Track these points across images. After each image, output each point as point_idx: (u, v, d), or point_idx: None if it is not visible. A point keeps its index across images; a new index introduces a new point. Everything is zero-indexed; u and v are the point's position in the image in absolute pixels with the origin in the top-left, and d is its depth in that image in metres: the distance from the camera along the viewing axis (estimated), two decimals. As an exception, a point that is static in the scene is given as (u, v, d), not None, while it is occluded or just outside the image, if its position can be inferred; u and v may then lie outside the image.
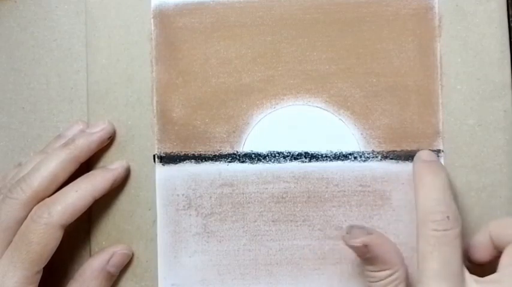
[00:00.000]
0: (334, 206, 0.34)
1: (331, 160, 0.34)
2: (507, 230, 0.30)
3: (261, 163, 0.35)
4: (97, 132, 0.34)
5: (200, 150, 0.35)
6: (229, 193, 0.35)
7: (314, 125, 0.35)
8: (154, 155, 0.35)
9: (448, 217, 0.29)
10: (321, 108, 0.35)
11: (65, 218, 0.31)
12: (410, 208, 0.34)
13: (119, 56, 0.35)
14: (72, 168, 0.33)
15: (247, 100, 0.35)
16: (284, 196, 0.35)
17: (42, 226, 0.30)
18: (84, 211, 0.32)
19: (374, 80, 0.34)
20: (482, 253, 0.31)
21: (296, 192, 0.34)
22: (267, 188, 0.35)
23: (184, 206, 0.35)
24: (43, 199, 0.32)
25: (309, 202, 0.34)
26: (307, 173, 0.34)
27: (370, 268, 0.30)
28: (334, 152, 0.34)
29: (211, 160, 0.35)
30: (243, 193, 0.35)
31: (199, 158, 0.35)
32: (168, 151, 0.35)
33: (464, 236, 0.32)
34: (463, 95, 0.34)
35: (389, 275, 0.30)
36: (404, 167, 0.34)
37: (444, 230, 0.29)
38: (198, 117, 0.35)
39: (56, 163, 0.32)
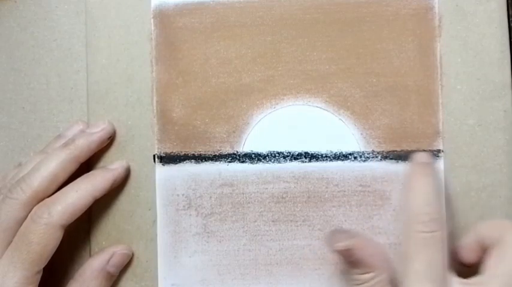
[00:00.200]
0: (334, 206, 0.34)
1: (331, 160, 0.34)
2: (493, 232, 0.30)
3: (261, 163, 0.35)
4: (97, 132, 0.34)
5: (200, 150, 0.35)
6: (229, 193, 0.35)
7: (314, 125, 0.35)
8: (154, 155, 0.35)
9: (434, 218, 0.29)
10: (321, 108, 0.35)
11: (65, 218, 0.31)
12: (410, 208, 0.34)
13: (119, 56, 0.35)
14: (72, 168, 0.33)
15: (247, 100, 0.35)
16: (284, 196, 0.35)
17: (42, 226, 0.30)
18: (84, 211, 0.32)
19: (374, 80, 0.34)
20: (469, 255, 0.31)
21: (296, 192, 0.34)
22: (267, 188, 0.35)
23: (184, 206, 0.35)
24: (43, 199, 0.32)
25: (309, 202, 0.34)
26: (307, 173, 0.34)
27: (354, 271, 0.30)
28: (334, 152, 0.34)
29: (211, 160, 0.35)
30: (243, 193, 0.35)
31: (199, 158, 0.35)
32: (168, 151, 0.35)
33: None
34: (463, 95, 0.34)
35: (373, 278, 0.30)
36: (404, 167, 0.34)
37: (431, 231, 0.29)
38: (198, 117, 0.35)
39: (56, 163, 0.32)
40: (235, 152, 0.35)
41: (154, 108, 0.35)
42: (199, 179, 0.35)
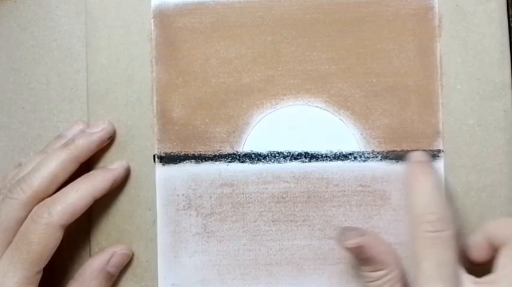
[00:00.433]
0: (334, 206, 0.34)
1: (331, 160, 0.34)
2: (503, 230, 0.30)
3: (261, 163, 0.35)
4: (97, 132, 0.34)
5: (200, 150, 0.35)
6: (229, 193, 0.35)
7: (314, 125, 0.35)
8: (154, 155, 0.35)
9: (440, 217, 0.29)
10: (321, 108, 0.35)
11: (65, 218, 0.31)
12: (410, 208, 0.34)
13: (119, 56, 0.35)
14: (72, 168, 0.33)
15: (247, 100, 0.35)
16: (284, 196, 0.35)
17: (42, 226, 0.30)
18: (84, 211, 0.32)
19: (374, 80, 0.34)
20: (479, 253, 0.31)
21: (296, 192, 0.34)
22: (267, 188, 0.35)
23: (184, 206, 0.35)
24: (43, 199, 0.32)
25: (309, 202, 0.34)
26: (307, 173, 0.34)
27: (366, 268, 0.30)
28: (334, 152, 0.34)
29: (211, 160, 0.35)
30: (243, 193, 0.35)
31: (199, 158, 0.35)
32: (168, 151, 0.35)
33: (464, 236, 0.32)
34: (463, 95, 0.34)
35: (385, 275, 0.30)
36: (404, 167, 0.34)
37: (438, 231, 0.29)
38: (198, 117, 0.35)
39: (56, 163, 0.32)
40: (235, 152, 0.35)
41: (154, 108, 0.35)
42: (199, 179, 0.35)
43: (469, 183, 0.34)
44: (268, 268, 0.34)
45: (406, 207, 0.34)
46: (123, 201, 0.35)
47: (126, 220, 0.35)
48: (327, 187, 0.34)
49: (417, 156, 0.33)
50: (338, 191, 0.34)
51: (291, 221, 0.34)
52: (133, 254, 0.35)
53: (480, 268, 0.31)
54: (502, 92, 0.34)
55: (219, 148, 0.35)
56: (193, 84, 0.35)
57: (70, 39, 0.36)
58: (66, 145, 0.33)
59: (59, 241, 0.31)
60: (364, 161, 0.34)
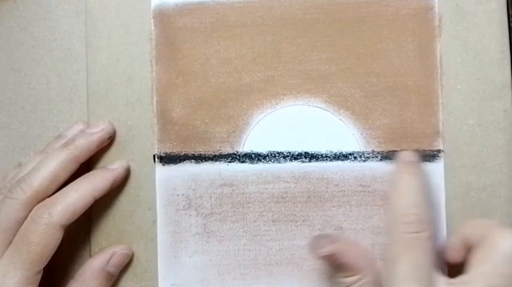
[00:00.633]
0: (334, 206, 0.34)
1: (331, 160, 0.34)
2: (477, 231, 0.30)
3: (261, 163, 0.35)
4: (97, 132, 0.34)
5: (200, 150, 0.35)
6: (229, 193, 0.35)
7: (314, 125, 0.35)
8: (154, 155, 0.35)
9: (420, 219, 0.29)
10: (321, 108, 0.35)
11: (65, 218, 0.31)
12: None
13: (119, 56, 0.35)
14: (72, 168, 0.33)
15: (247, 100, 0.35)
16: (284, 196, 0.35)
17: (42, 226, 0.30)
18: (84, 211, 0.32)
19: (374, 80, 0.34)
20: (455, 254, 0.32)
21: (296, 192, 0.34)
22: (267, 188, 0.35)
23: (184, 206, 0.35)
24: (43, 199, 0.32)
25: (309, 202, 0.34)
26: (307, 173, 0.34)
27: (339, 274, 0.31)
28: (334, 152, 0.34)
29: (211, 160, 0.35)
30: (243, 193, 0.35)
31: (199, 158, 0.35)
32: (168, 151, 0.35)
33: (433, 237, 0.32)
34: (463, 95, 0.34)
35: (358, 280, 0.30)
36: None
37: (416, 232, 0.29)
38: (198, 117, 0.35)
39: (56, 163, 0.32)
40: (235, 152, 0.35)
41: (154, 108, 0.35)
42: (199, 179, 0.35)
43: (469, 183, 0.34)
44: (268, 268, 0.34)
45: (386, 207, 0.34)
46: (123, 201, 0.35)
47: (126, 220, 0.35)
48: (327, 187, 0.34)
49: (405, 156, 0.33)
50: (338, 191, 0.34)
51: (291, 221, 0.34)
52: (133, 254, 0.35)
53: (455, 269, 0.31)
54: (502, 92, 0.34)
55: (219, 148, 0.35)
56: (193, 84, 0.35)
57: (70, 39, 0.36)
58: (66, 144, 0.33)
59: (59, 241, 0.31)
60: (364, 161, 0.34)
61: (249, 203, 0.35)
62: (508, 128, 0.34)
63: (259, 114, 0.35)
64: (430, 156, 0.34)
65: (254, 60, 0.35)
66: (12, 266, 0.30)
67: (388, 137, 0.34)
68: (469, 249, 0.31)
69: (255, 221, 0.35)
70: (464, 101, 0.34)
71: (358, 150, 0.34)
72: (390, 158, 0.34)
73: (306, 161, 0.34)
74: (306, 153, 0.35)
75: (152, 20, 0.35)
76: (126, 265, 0.34)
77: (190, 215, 0.35)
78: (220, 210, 0.35)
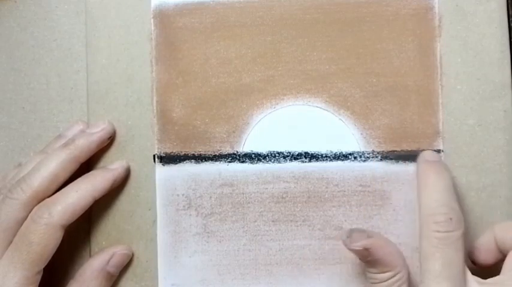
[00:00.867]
0: (334, 206, 0.34)
1: (331, 160, 0.34)
2: (510, 234, 0.30)
3: (261, 163, 0.35)
4: (97, 132, 0.34)
5: (200, 150, 0.35)
6: (229, 193, 0.35)
7: (314, 125, 0.35)
8: (154, 155, 0.35)
9: (450, 218, 0.29)
10: (321, 108, 0.35)
11: (65, 219, 0.31)
12: (410, 208, 0.34)
13: (119, 56, 0.35)
14: (72, 168, 0.33)
15: (247, 100, 0.35)
16: (284, 196, 0.35)
17: (42, 226, 0.30)
18: (84, 211, 0.32)
19: (374, 80, 0.34)
20: (486, 256, 0.32)
21: (296, 192, 0.34)
22: (267, 188, 0.35)
23: (184, 206, 0.35)
24: (43, 199, 0.32)
25: (309, 202, 0.34)
26: (307, 173, 0.34)
27: (372, 270, 0.30)
28: (334, 152, 0.34)
29: (211, 160, 0.35)
30: (243, 193, 0.35)
31: (199, 158, 0.35)
32: (168, 151, 0.35)
33: (465, 236, 0.32)
34: (463, 95, 0.34)
35: (392, 277, 0.30)
36: (404, 167, 0.34)
37: (446, 231, 0.29)
38: (198, 117, 0.35)
39: (56, 163, 0.32)
40: (235, 152, 0.35)
41: (154, 108, 0.35)
42: (199, 179, 0.35)
43: (469, 183, 0.34)
44: (268, 268, 0.34)
45: (417, 206, 0.33)
46: (123, 201, 0.35)
47: (126, 220, 0.35)
48: (327, 187, 0.34)
49: (428, 155, 0.33)
50: (338, 191, 0.34)
51: (291, 221, 0.34)
52: (133, 254, 0.35)
53: (484, 271, 0.31)
54: (502, 92, 0.34)
55: (219, 148, 0.35)
56: (193, 84, 0.35)
57: (70, 39, 0.36)
58: (66, 144, 0.33)
59: (59, 241, 0.31)
60: (364, 161, 0.34)
61: (249, 203, 0.35)
62: (508, 128, 0.34)
63: (259, 114, 0.35)
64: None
65: (254, 60, 0.35)
66: (12, 266, 0.30)
67: (388, 137, 0.34)
68: (500, 251, 0.31)
69: (255, 221, 0.35)
70: (464, 101, 0.34)
71: (358, 150, 0.34)
72: (390, 158, 0.34)
73: (306, 161, 0.34)
74: (306, 153, 0.35)
75: (152, 20, 0.35)
76: (126, 265, 0.34)
77: (190, 215, 0.35)
78: (220, 210, 0.35)
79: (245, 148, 0.35)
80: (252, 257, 0.34)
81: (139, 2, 0.35)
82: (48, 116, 0.36)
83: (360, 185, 0.34)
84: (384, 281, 0.30)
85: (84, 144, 0.33)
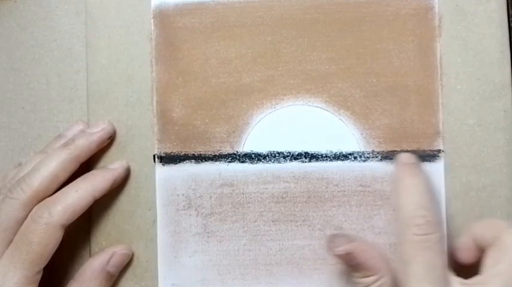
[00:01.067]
0: (334, 206, 0.34)
1: (331, 160, 0.34)
2: (489, 232, 0.30)
3: (261, 163, 0.35)
4: (97, 132, 0.34)
5: (200, 150, 0.35)
6: (229, 193, 0.35)
7: (314, 125, 0.35)
8: (154, 155, 0.35)
9: (429, 221, 0.29)
10: (321, 108, 0.35)
11: (65, 218, 0.31)
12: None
13: (119, 56, 0.35)
14: (72, 168, 0.33)
15: (247, 100, 0.35)
16: (284, 196, 0.35)
17: (42, 226, 0.30)
18: (84, 211, 0.32)
19: (374, 80, 0.34)
20: (467, 255, 0.32)
21: (296, 192, 0.34)
22: (267, 188, 0.35)
23: (184, 206, 0.35)
24: (43, 199, 0.32)
25: (309, 202, 0.34)
26: (307, 173, 0.34)
27: (356, 274, 0.31)
28: (334, 152, 0.34)
29: (211, 160, 0.35)
30: (243, 193, 0.35)
31: (199, 158, 0.35)
32: (168, 151, 0.35)
33: (444, 237, 0.32)
34: (463, 95, 0.34)
35: (376, 281, 0.30)
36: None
37: (426, 234, 0.29)
38: (198, 117, 0.35)
39: (56, 163, 0.32)
40: (235, 152, 0.35)
41: (154, 108, 0.35)
42: (199, 179, 0.35)
43: (469, 183, 0.34)
44: (268, 268, 0.34)
45: (394, 210, 0.34)
46: (123, 201, 0.35)
47: (126, 220, 0.35)
48: (327, 187, 0.34)
49: (405, 158, 0.33)
50: (338, 191, 0.34)
51: (291, 221, 0.34)
52: (133, 254, 0.35)
53: (466, 270, 0.31)
54: (502, 92, 0.34)
55: (219, 148, 0.35)
56: (193, 84, 0.35)
57: (70, 39, 0.36)
58: (66, 144, 0.33)
59: (59, 241, 0.31)
60: (364, 161, 0.34)
61: (249, 203, 0.35)
62: (508, 128, 0.34)
63: (259, 114, 0.35)
64: (430, 156, 0.34)
65: (254, 60, 0.35)
66: (12, 266, 0.30)
67: (388, 137, 0.34)
68: (480, 249, 0.31)
69: (255, 221, 0.35)
70: (464, 101, 0.34)
71: (358, 150, 0.34)
72: (390, 158, 0.34)
73: (306, 161, 0.35)
74: (306, 153, 0.35)
75: (152, 20, 0.35)
76: (126, 265, 0.34)
77: (190, 215, 0.35)
78: (220, 210, 0.35)
79: (245, 148, 0.35)
80: (252, 257, 0.34)
81: (139, 2, 0.35)
82: (48, 116, 0.36)
83: (360, 185, 0.34)
84: (368, 285, 0.30)
85: (84, 144, 0.33)
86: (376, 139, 0.34)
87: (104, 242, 0.35)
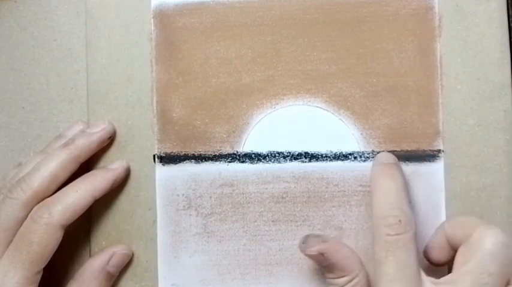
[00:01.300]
0: (334, 206, 0.34)
1: (331, 160, 0.34)
2: (460, 230, 0.30)
3: (261, 163, 0.35)
4: (97, 132, 0.34)
5: (200, 150, 0.35)
6: (229, 193, 0.35)
7: (314, 125, 0.35)
8: (154, 155, 0.35)
9: (400, 221, 0.29)
10: (321, 108, 0.35)
11: (65, 218, 0.31)
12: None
13: (119, 56, 0.35)
14: (72, 168, 0.33)
15: (247, 100, 0.35)
16: (284, 196, 0.35)
17: (42, 226, 0.30)
18: (84, 211, 0.32)
19: (374, 80, 0.34)
20: (440, 254, 0.31)
21: (296, 192, 0.34)
22: (267, 188, 0.35)
23: (184, 206, 0.35)
24: (43, 199, 0.32)
25: (309, 202, 0.34)
26: (307, 173, 0.34)
27: (330, 275, 0.30)
28: (334, 152, 0.34)
29: (211, 160, 0.35)
30: (243, 193, 0.35)
31: (199, 158, 0.35)
32: (168, 151, 0.35)
33: (416, 237, 0.32)
34: (463, 95, 0.34)
35: (349, 281, 0.30)
36: (404, 167, 0.34)
37: (397, 234, 0.29)
38: (198, 117, 0.35)
39: (56, 163, 0.32)
40: (235, 152, 0.35)
41: (154, 108, 0.35)
42: (199, 179, 0.35)
43: (469, 183, 0.34)
44: (268, 268, 0.34)
45: (369, 209, 0.34)
46: (123, 201, 0.35)
47: (126, 220, 0.35)
48: (327, 187, 0.34)
49: (383, 157, 0.33)
50: (338, 191, 0.34)
51: (291, 221, 0.34)
52: (133, 254, 0.35)
53: (439, 269, 0.31)
54: (502, 92, 0.34)
55: (219, 148, 0.35)
56: (193, 84, 0.35)
57: (70, 39, 0.36)
58: (66, 144, 0.33)
59: (59, 241, 0.31)
60: (364, 161, 0.34)
61: (249, 203, 0.35)
62: (508, 128, 0.34)
63: (259, 114, 0.35)
64: (430, 156, 0.34)
65: (254, 60, 0.35)
66: (12, 266, 0.30)
67: (388, 137, 0.34)
68: (452, 248, 0.31)
69: (255, 221, 0.35)
70: (464, 101, 0.34)
71: (358, 150, 0.34)
72: (390, 158, 0.34)
73: (306, 161, 0.35)
74: (306, 153, 0.35)
75: (152, 20, 0.35)
76: (126, 265, 0.34)
77: (190, 215, 0.35)
78: (220, 210, 0.35)
79: (245, 148, 0.35)
80: (252, 257, 0.34)
81: (139, 2, 0.35)
82: (48, 116, 0.36)
83: (360, 185, 0.34)
84: (342, 286, 0.30)
85: (84, 144, 0.33)
86: (376, 139, 0.34)
87: (104, 242, 0.35)
